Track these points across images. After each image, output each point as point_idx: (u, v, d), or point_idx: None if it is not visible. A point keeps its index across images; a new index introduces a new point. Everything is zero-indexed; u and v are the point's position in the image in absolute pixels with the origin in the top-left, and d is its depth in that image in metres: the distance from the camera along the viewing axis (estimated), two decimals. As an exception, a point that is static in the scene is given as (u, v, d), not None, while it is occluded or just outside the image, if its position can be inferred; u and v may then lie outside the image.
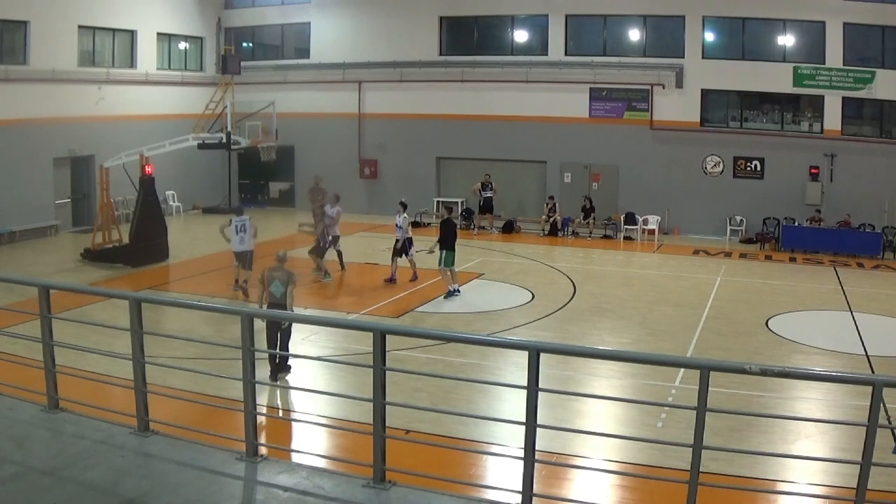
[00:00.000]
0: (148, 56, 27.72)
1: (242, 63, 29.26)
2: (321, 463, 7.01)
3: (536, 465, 5.30)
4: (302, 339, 13.79)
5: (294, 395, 11.66)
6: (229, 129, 24.29)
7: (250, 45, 31.83)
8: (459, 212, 28.05)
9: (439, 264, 17.35)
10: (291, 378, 12.00)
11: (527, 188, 27.91)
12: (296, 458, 6.16)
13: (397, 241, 18.50)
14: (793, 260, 22.74)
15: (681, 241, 25.20)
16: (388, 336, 5.60)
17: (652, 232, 25.41)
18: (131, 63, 27.29)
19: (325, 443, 9.71)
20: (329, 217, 18.96)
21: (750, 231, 25.27)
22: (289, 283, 11.71)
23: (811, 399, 11.42)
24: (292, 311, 11.80)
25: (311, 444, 9.25)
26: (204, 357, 12.36)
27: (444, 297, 17.23)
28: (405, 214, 18.59)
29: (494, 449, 9.11)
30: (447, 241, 17.34)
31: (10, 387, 7.31)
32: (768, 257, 23.12)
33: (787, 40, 24.99)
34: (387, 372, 5.56)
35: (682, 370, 12.03)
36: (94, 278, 18.77)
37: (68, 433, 6.46)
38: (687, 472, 5.07)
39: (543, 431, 5.35)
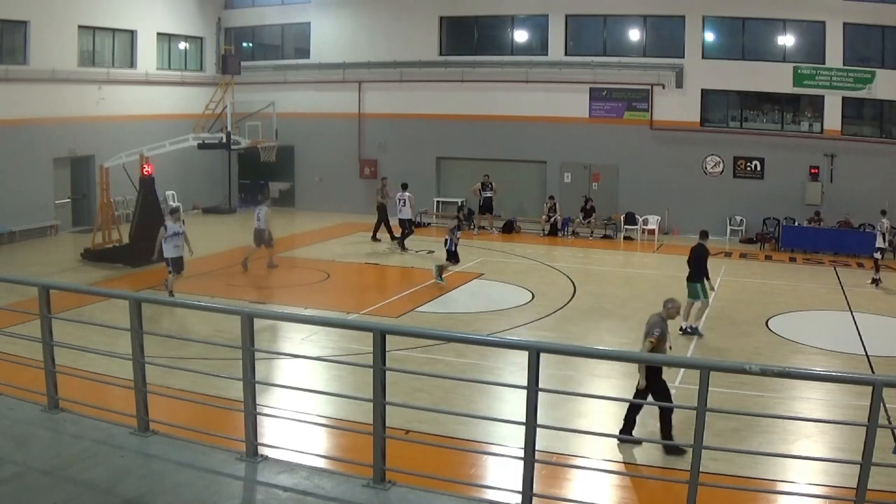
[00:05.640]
0: (148, 56, 27.72)
1: (242, 63, 29.27)
2: (321, 463, 7.00)
3: (536, 465, 5.30)
4: (302, 339, 13.82)
5: (294, 395, 11.64)
6: (229, 129, 24.30)
7: (250, 45, 31.84)
8: (460, 211, 28.05)
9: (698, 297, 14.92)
10: (290, 378, 11.96)
11: (527, 188, 27.91)
12: (296, 458, 6.14)
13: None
14: (793, 260, 22.75)
15: (681, 241, 25.16)
16: (388, 336, 5.60)
17: (652, 232, 25.41)
18: (131, 63, 27.30)
19: (325, 443, 9.71)
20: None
21: (750, 231, 25.27)
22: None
23: (811, 399, 11.42)
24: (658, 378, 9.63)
25: (311, 444, 9.24)
26: (204, 357, 12.36)
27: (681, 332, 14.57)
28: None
29: (494, 449, 9.10)
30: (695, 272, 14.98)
31: (10, 387, 7.31)
32: (768, 257, 23.13)
33: (787, 40, 24.99)
34: (387, 372, 5.56)
35: (682, 370, 12.03)
36: (94, 278, 18.77)
37: (68, 433, 6.46)
38: (687, 472, 5.07)
39: (543, 431, 5.35)
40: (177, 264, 16.61)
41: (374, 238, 23.90)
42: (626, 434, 9.46)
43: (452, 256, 19.00)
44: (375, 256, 22.14)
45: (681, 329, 14.51)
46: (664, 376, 9.66)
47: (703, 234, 15.70)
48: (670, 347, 10.16)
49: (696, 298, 14.79)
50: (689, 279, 14.99)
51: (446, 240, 19.14)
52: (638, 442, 9.68)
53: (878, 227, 20.19)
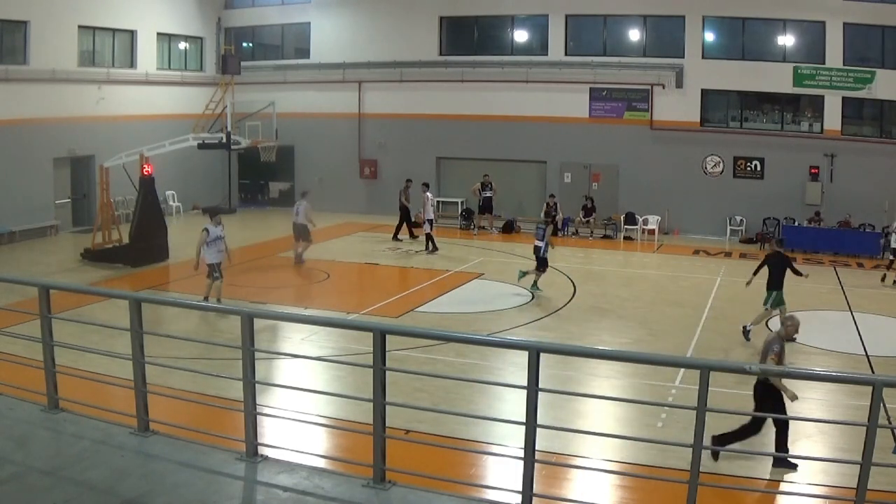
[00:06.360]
0: (148, 56, 27.71)
1: (242, 63, 29.23)
2: (321, 463, 7.00)
3: (536, 465, 5.30)
4: (302, 339, 13.82)
5: (294, 395, 11.64)
6: (229, 129, 24.28)
7: (250, 45, 31.84)
8: (460, 211, 28.08)
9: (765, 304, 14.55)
10: (290, 378, 11.95)
11: (527, 188, 27.90)
12: (296, 458, 6.14)
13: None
14: (793, 260, 22.69)
15: (681, 241, 25.19)
16: (388, 336, 5.60)
17: (652, 232, 25.41)
18: (131, 63, 27.29)
19: (325, 443, 9.71)
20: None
21: (750, 231, 25.27)
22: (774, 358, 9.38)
23: (811, 399, 11.40)
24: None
25: (311, 444, 9.24)
26: (204, 357, 12.36)
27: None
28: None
29: (494, 449, 9.11)
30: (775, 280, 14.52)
31: (10, 387, 7.31)
32: (768, 257, 23.10)
33: (787, 40, 24.99)
34: (387, 372, 5.56)
35: (682, 370, 12.03)
36: (94, 278, 18.76)
37: (68, 433, 6.46)
38: (687, 472, 5.07)
39: (543, 431, 5.35)
40: (217, 269, 15.71)
41: (400, 237, 24.08)
42: (784, 453, 9.11)
43: (542, 264, 17.86)
44: (375, 256, 22.14)
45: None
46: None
47: (780, 242, 15.33)
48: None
49: (779, 304, 14.27)
50: (770, 287, 14.46)
51: (538, 247, 17.85)
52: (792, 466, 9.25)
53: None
